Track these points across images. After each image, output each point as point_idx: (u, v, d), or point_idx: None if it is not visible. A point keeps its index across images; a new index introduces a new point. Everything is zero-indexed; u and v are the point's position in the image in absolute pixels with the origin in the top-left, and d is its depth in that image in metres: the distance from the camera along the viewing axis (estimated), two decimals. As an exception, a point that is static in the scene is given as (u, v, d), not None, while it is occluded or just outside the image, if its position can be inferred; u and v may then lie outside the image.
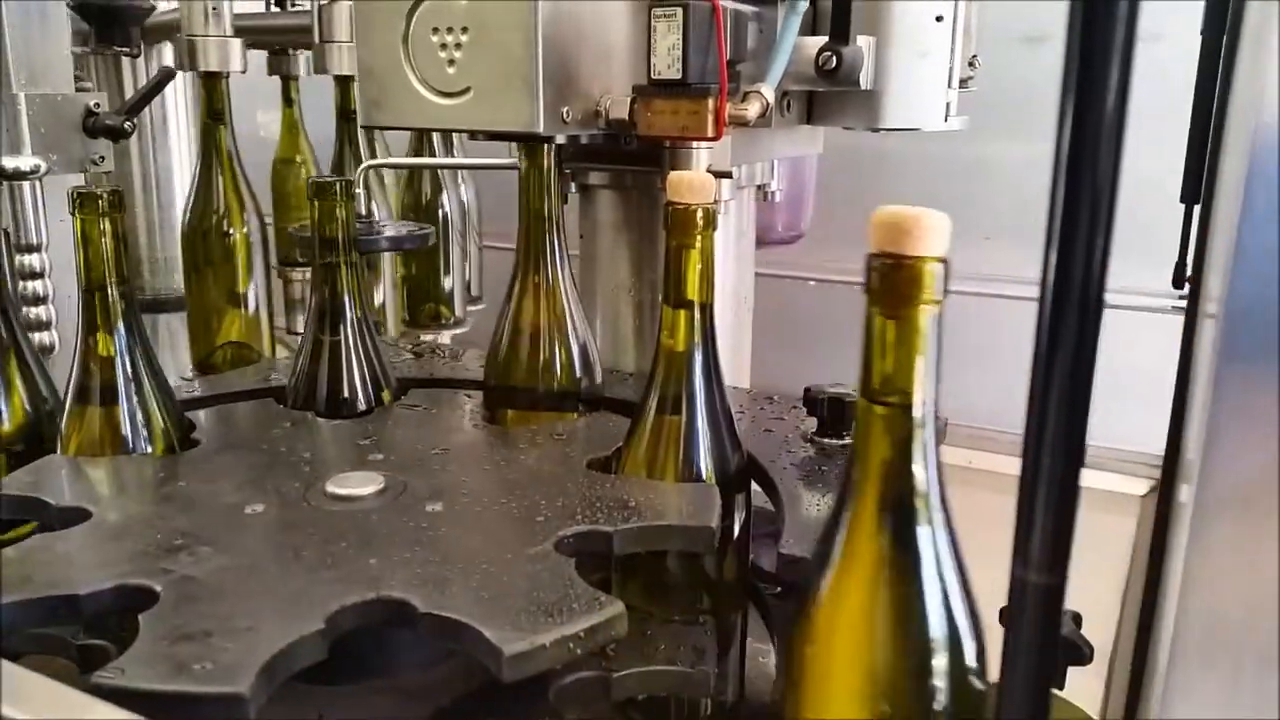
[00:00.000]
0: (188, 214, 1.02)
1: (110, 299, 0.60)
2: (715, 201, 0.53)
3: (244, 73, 1.02)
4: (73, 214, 0.58)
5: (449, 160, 1.18)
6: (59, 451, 0.61)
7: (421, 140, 1.15)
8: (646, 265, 0.81)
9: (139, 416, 0.61)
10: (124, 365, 0.60)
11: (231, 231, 1.02)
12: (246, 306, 1.04)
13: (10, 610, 0.44)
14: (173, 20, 1.07)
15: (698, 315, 0.55)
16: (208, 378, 0.82)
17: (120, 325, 0.60)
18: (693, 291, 0.54)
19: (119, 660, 0.39)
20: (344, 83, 1.11)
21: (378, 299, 1.15)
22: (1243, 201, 0.29)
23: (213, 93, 1.00)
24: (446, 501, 0.55)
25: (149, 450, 0.61)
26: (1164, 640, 0.33)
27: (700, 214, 0.52)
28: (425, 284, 1.22)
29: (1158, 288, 0.90)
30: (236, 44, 0.99)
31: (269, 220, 1.09)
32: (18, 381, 0.68)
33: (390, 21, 0.64)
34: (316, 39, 1.02)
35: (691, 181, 0.52)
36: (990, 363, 1.30)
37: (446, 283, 1.22)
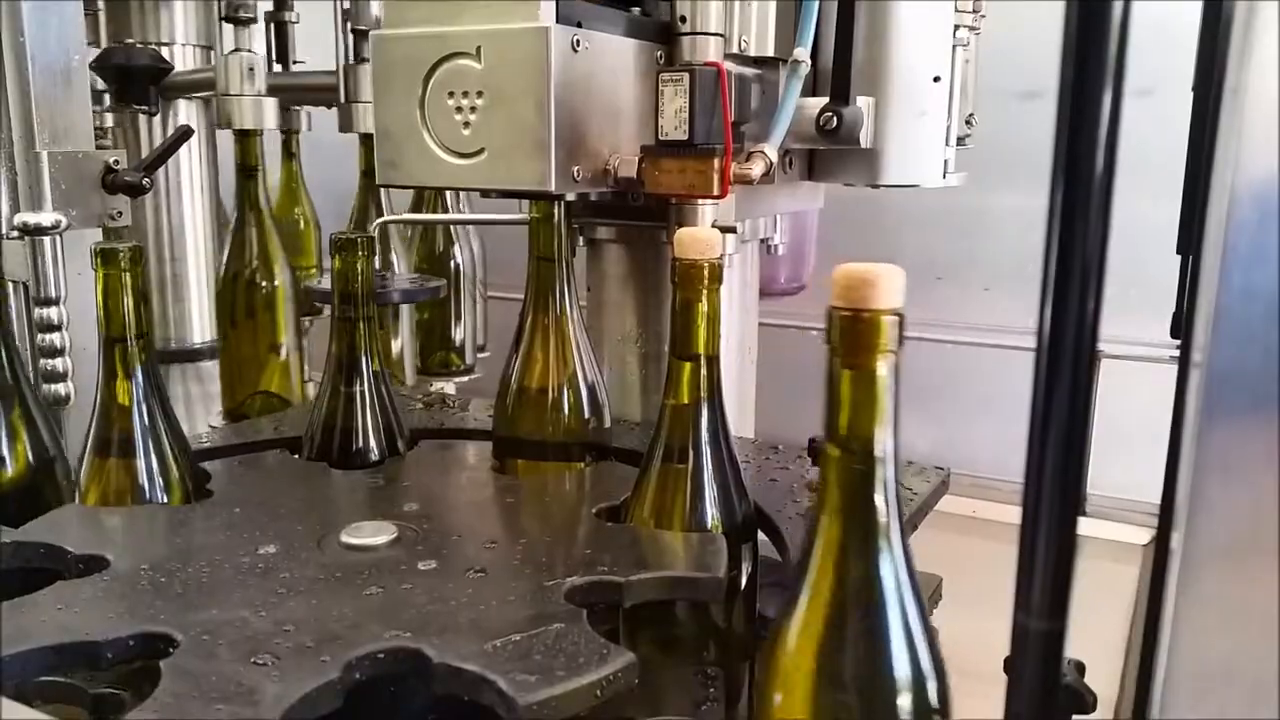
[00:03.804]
0: (223, 266, 1.05)
1: (130, 350, 0.61)
2: (721, 257, 0.55)
3: (276, 129, 1.05)
4: (96, 269, 0.60)
5: (462, 216, 1.20)
6: (77, 500, 0.62)
7: (429, 196, 1.18)
8: (652, 317, 0.82)
9: (156, 465, 0.62)
10: (142, 414, 0.62)
11: (265, 283, 1.04)
12: (279, 356, 1.06)
13: (31, 657, 0.44)
14: (190, 80, 1.10)
15: (704, 367, 0.56)
16: (220, 429, 0.83)
17: (139, 375, 0.62)
18: (699, 344, 0.55)
19: (143, 708, 0.40)
20: (369, 141, 1.14)
21: (395, 347, 1.17)
22: (1221, 257, 0.30)
23: (246, 149, 1.03)
24: (458, 552, 0.56)
25: (165, 499, 0.62)
26: (1157, 687, 0.33)
27: (707, 269, 0.54)
28: (437, 333, 1.24)
29: (1160, 338, 0.91)
30: (270, 102, 1.02)
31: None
32: (22, 430, 0.69)
33: (407, 85, 0.66)
34: (342, 98, 1.05)
35: (698, 238, 0.54)
36: (991, 412, 1.31)
37: (457, 331, 1.24)
